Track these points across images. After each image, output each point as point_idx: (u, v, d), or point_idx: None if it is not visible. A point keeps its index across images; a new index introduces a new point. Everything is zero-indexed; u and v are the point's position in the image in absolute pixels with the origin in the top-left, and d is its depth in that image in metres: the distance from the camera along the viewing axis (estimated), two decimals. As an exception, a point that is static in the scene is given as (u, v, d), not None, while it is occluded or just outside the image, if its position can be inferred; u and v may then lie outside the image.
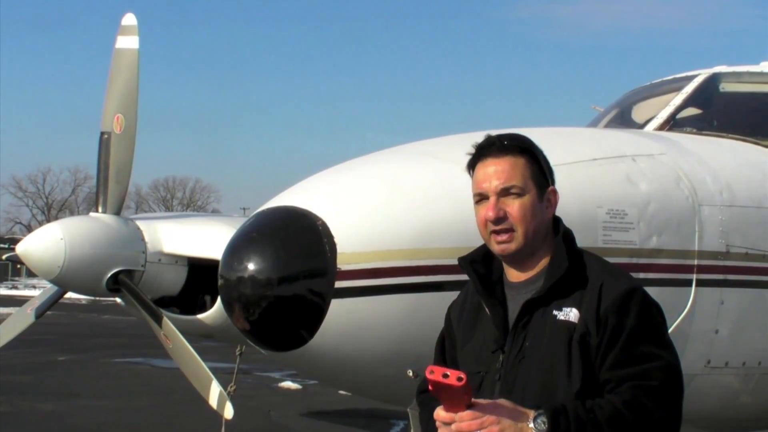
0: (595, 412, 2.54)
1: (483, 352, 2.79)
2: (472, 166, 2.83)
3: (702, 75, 6.05)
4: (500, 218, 2.72)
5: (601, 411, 2.55)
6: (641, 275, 4.26)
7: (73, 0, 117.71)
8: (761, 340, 4.78)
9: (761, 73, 6.19)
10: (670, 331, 4.33)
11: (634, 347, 2.64)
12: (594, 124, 6.74)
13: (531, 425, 2.48)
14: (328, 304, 3.80)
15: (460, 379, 2.36)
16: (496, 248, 2.76)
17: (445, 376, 2.37)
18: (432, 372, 2.38)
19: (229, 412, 6.18)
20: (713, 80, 6.07)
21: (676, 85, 6.06)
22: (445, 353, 2.98)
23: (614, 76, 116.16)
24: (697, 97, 5.91)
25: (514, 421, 2.47)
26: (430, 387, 2.44)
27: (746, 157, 5.26)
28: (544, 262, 2.77)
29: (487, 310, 2.81)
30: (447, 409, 2.47)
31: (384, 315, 3.90)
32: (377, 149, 4.62)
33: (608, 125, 6.46)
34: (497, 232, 2.73)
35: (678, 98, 5.84)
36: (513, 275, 2.82)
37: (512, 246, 2.73)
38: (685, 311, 4.45)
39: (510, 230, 2.72)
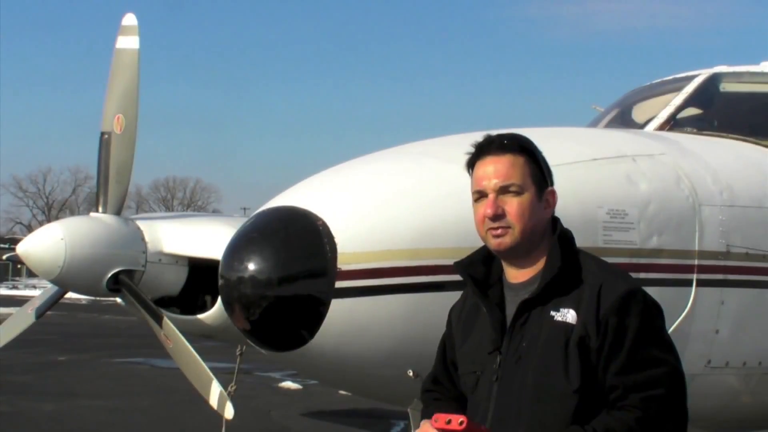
0: None
1: (479, 352, 2.79)
2: (471, 164, 2.83)
3: (702, 75, 6.05)
4: (498, 215, 2.72)
5: None
6: (641, 275, 4.26)
7: (73, 0, 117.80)
8: (762, 340, 4.78)
9: (761, 73, 6.19)
10: (670, 331, 4.33)
11: (639, 351, 2.63)
12: (594, 124, 6.74)
13: None
14: (328, 304, 3.80)
15: (461, 423, 2.55)
16: (492, 243, 2.76)
17: (448, 422, 2.58)
18: (437, 420, 2.59)
19: (229, 412, 6.18)
20: (713, 80, 6.06)
21: (677, 85, 6.06)
22: (446, 355, 2.99)
23: (614, 76, 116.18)
24: (697, 97, 5.90)
25: None
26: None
27: (746, 157, 5.26)
28: (542, 263, 2.76)
29: (485, 310, 2.81)
30: None
31: (384, 315, 3.90)
32: (377, 149, 4.61)
33: (608, 125, 6.46)
34: (494, 228, 2.73)
35: (678, 98, 5.84)
36: (512, 276, 2.81)
37: (507, 240, 2.72)
38: (685, 311, 4.45)
39: (507, 227, 2.72)
